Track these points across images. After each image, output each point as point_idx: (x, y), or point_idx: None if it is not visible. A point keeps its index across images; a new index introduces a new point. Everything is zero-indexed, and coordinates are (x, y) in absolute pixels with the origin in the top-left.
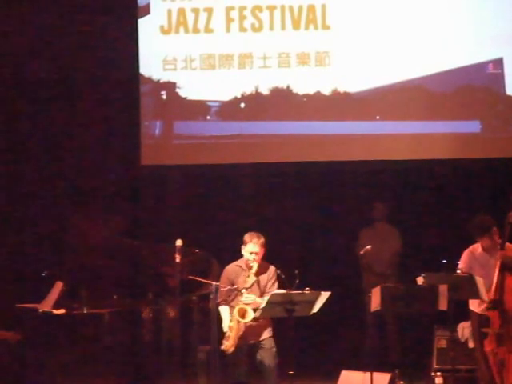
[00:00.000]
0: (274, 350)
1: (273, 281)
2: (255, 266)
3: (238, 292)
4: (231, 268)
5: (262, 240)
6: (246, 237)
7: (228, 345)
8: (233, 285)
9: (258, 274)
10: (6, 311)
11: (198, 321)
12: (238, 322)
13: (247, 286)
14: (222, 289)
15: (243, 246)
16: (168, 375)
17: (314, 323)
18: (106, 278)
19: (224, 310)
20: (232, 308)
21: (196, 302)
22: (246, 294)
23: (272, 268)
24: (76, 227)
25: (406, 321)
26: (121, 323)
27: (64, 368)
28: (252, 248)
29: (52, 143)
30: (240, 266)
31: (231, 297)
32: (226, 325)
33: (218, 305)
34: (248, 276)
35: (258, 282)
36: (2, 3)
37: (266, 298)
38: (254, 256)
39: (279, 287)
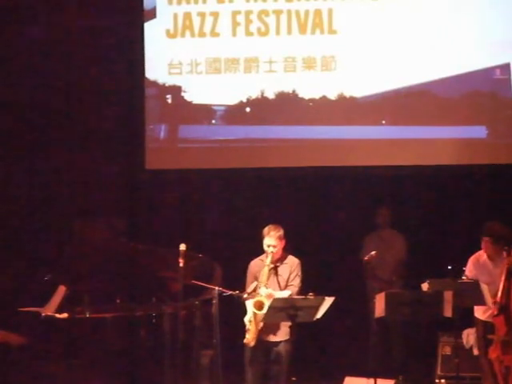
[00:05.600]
0: (289, 354)
1: (295, 273)
2: (270, 257)
3: (257, 285)
4: (254, 263)
5: (280, 233)
6: (265, 230)
7: (249, 338)
8: (257, 279)
9: (278, 266)
10: (8, 315)
11: (201, 326)
12: (256, 314)
13: (263, 277)
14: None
15: (263, 240)
16: (170, 380)
17: (318, 329)
18: (109, 282)
19: (249, 304)
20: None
21: (199, 307)
22: (265, 288)
23: (295, 260)
24: (80, 231)
25: (410, 327)
26: (124, 327)
27: (66, 372)
28: (268, 241)
29: (55, 146)
30: (262, 260)
31: (256, 291)
32: (246, 319)
33: (245, 299)
34: (266, 270)
35: (276, 274)
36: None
37: (287, 291)
38: (271, 249)
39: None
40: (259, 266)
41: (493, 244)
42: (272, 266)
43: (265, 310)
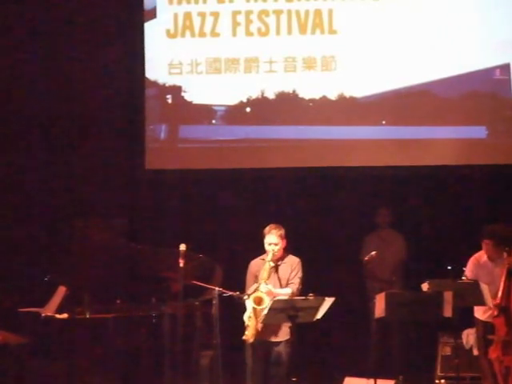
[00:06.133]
0: (289, 354)
1: (296, 272)
2: (271, 254)
3: (258, 284)
4: (255, 262)
5: (281, 232)
6: (266, 229)
7: (248, 334)
8: (257, 278)
9: (279, 265)
10: (8, 315)
11: (201, 326)
12: (255, 309)
13: (264, 275)
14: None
15: (264, 239)
16: (170, 381)
17: (318, 329)
18: (109, 283)
19: (249, 301)
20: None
21: (199, 308)
22: (265, 284)
23: (295, 259)
24: (80, 231)
25: (410, 327)
26: (124, 328)
27: (66, 373)
28: (270, 239)
29: (55, 146)
30: (263, 260)
31: (252, 293)
32: (246, 316)
33: (244, 300)
34: (267, 266)
35: (277, 272)
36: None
37: (287, 289)
38: (273, 247)
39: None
40: (260, 265)
41: (494, 246)
42: (273, 264)
43: (264, 305)
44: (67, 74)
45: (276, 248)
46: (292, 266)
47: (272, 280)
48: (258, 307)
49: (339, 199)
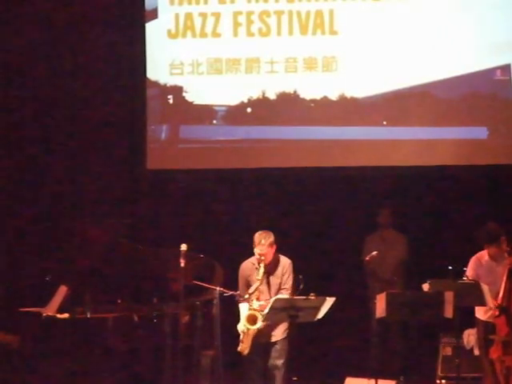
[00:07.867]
0: (286, 352)
1: (287, 274)
2: (262, 268)
3: (254, 290)
4: (246, 265)
5: (270, 240)
6: (255, 237)
7: (243, 347)
8: (248, 282)
9: (270, 271)
10: (9, 315)
11: (202, 326)
12: (248, 329)
13: (256, 293)
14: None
15: (254, 248)
16: (171, 380)
17: (319, 329)
18: (110, 283)
19: (243, 308)
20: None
21: (200, 308)
22: (256, 301)
23: (287, 261)
24: (81, 231)
25: (411, 328)
26: (125, 328)
27: (67, 373)
28: (259, 250)
29: (56, 146)
30: (253, 264)
31: (252, 293)
32: (240, 327)
33: (238, 302)
34: (258, 283)
35: (268, 280)
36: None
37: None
38: (262, 258)
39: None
40: (250, 269)
41: (499, 245)
42: (263, 270)
43: (257, 326)
44: (68, 75)
45: (265, 258)
46: (283, 269)
47: (263, 289)
48: (251, 327)
49: (340, 199)
